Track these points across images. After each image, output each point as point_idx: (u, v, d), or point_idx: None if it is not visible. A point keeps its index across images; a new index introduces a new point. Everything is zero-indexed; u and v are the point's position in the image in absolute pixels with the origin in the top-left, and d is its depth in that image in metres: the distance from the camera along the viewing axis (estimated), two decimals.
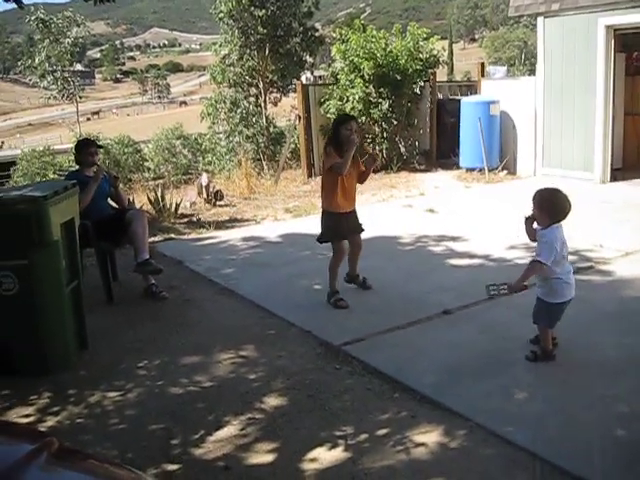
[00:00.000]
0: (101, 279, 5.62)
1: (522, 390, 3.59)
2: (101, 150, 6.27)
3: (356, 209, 5.26)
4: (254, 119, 18.07)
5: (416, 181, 11.00)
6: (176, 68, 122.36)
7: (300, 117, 12.27)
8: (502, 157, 11.04)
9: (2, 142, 61.97)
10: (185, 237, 7.82)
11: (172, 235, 7.88)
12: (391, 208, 8.71)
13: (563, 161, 10.18)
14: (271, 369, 4.12)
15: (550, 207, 3.78)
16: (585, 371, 3.79)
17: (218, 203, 9.90)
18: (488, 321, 4.61)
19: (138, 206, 8.94)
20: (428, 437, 3.22)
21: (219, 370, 4.18)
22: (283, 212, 9.04)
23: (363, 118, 11.65)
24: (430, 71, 12.34)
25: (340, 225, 5.10)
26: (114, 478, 1.79)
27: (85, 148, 5.77)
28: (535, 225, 3.92)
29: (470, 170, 10.95)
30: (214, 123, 19.17)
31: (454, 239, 6.82)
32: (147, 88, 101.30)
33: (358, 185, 5.29)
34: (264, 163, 16.23)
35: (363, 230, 5.33)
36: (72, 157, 9.55)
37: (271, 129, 18.89)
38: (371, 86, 11.62)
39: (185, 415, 3.65)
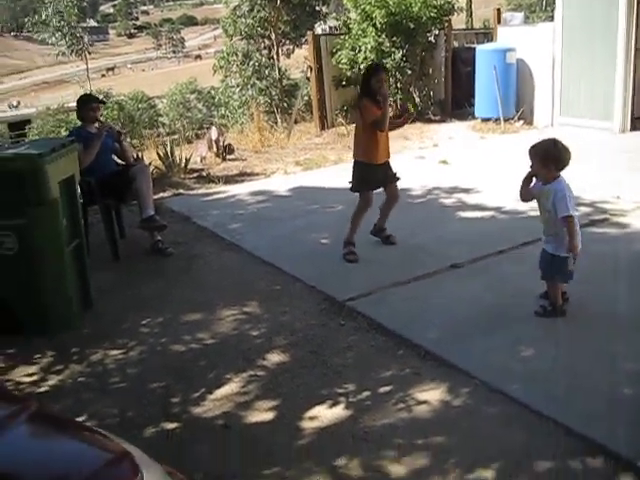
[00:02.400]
0: (106, 236, 5.57)
1: (529, 347, 3.50)
2: (103, 105, 6.13)
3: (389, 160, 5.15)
4: (267, 71, 17.75)
5: (430, 132, 10.76)
6: (190, 21, 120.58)
7: (312, 68, 11.99)
8: (518, 107, 10.73)
9: (19, 101, 61.81)
10: (194, 192, 7.73)
11: (181, 190, 7.78)
12: (404, 160, 8.48)
13: (582, 110, 9.87)
14: (274, 325, 4.06)
15: (556, 157, 3.63)
16: (596, 327, 3.68)
17: (228, 157, 9.76)
18: (498, 275, 4.50)
19: (147, 162, 8.89)
20: (431, 395, 3.15)
21: (222, 327, 4.13)
22: (294, 165, 8.88)
23: None
24: (445, 19, 11.95)
25: (374, 176, 5.01)
26: (91, 442, 1.74)
27: (86, 104, 5.65)
28: (533, 183, 3.78)
29: (485, 120, 10.67)
30: (227, 76, 18.86)
31: (466, 191, 6.66)
32: (161, 42, 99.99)
33: None
34: (278, 116, 16.00)
35: (399, 179, 5.17)
36: None
37: (284, 81, 18.56)
38: (384, 35, 11.27)
39: (186, 373, 3.61)
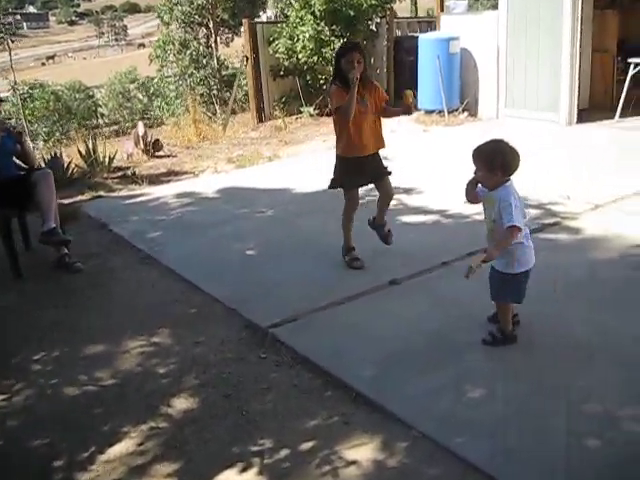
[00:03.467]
0: (5, 251, 4.90)
1: (477, 385, 3.01)
2: (3, 103, 5.41)
3: (379, 152, 4.48)
4: (205, 61, 17.00)
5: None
6: (133, 9, 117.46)
7: (247, 58, 11.37)
8: (463, 98, 10.33)
9: None
10: (115, 194, 7.06)
11: (101, 192, 7.10)
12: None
13: (527, 102, 9.52)
14: (185, 360, 3.49)
15: (503, 163, 3.16)
16: (551, 357, 3.23)
17: (157, 154, 9.09)
18: (441, 293, 4.02)
19: (67, 159, 8.16)
20: (362, 453, 2.63)
21: (125, 363, 3.53)
22: (225, 163, 8.28)
23: (315, 58, 10.83)
24: (387, 6, 11.51)
25: (354, 171, 4.39)
26: None
27: None
28: (479, 188, 3.31)
29: (429, 112, 10.23)
30: (163, 66, 18.04)
31: (407, 191, 6.19)
32: (103, 30, 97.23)
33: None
34: (217, 107, 15.34)
35: (389, 173, 4.51)
36: None
37: (223, 71, 17.83)
38: (322, 23, 10.75)
39: (77, 425, 3.03)
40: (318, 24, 10.72)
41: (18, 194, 4.77)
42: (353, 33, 10.98)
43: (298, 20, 10.83)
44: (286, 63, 11.06)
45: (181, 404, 3.11)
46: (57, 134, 21.28)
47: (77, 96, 30.27)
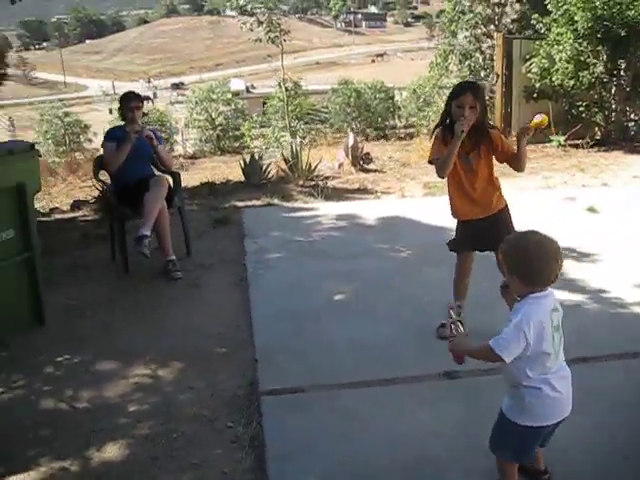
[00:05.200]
0: (116, 247, 5.13)
1: None
2: (146, 103, 5.62)
3: (499, 214, 3.64)
4: (483, 74, 16.22)
5: (620, 165, 8.75)
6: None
7: (498, 75, 10.54)
8: None
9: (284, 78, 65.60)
10: (287, 204, 7.01)
11: (276, 200, 7.11)
12: (544, 198, 6.93)
13: None
14: (161, 405, 3.23)
15: (524, 267, 2.27)
16: None
17: (366, 167, 8.89)
18: (485, 404, 3.15)
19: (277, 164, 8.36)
20: None
21: (112, 389, 3.41)
22: (421, 187, 7.72)
23: (572, 82, 9.60)
24: None
25: (465, 235, 3.71)
26: None
27: (125, 102, 5.17)
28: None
29: None
30: (442, 75, 17.68)
31: (580, 257, 5.06)
32: (434, 34, 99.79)
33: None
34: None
35: None
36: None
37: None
38: (585, 43, 9.44)
39: (15, 440, 2.98)
40: (580, 44, 9.44)
41: (135, 196, 4.90)
42: (622, 55, 9.50)
43: (557, 37, 9.67)
44: (537, 84, 9.99)
45: (109, 453, 2.88)
46: (312, 132, 22.34)
47: (377, 96, 31.38)
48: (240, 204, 7.02)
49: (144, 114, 5.33)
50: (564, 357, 2.35)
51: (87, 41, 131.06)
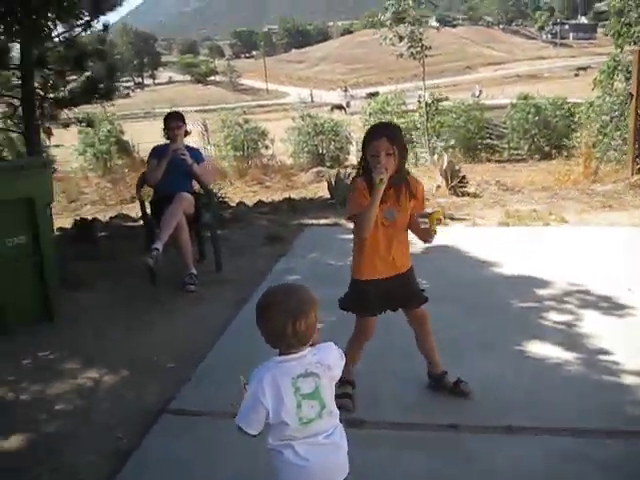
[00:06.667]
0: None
1: None
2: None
3: (409, 271, 3.38)
4: None
5: None
6: None
7: (632, 95, 9.66)
8: None
9: (481, 90, 64.12)
10: (350, 225, 6.99)
11: (342, 220, 7.15)
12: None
13: None
14: (79, 423, 3.50)
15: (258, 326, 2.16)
16: None
17: (461, 190, 8.62)
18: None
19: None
20: None
21: (56, 404, 3.73)
22: (502, 215, 7.28)
23: None
24: None
25: (367, 297, 3.32)
26: None
27: (167, 121, 5.58)
28: None
29: None
30: (605, 92, 16.37)
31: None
32: None
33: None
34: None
35: (423, 301, 3.40)
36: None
37: None
38: None
39: None
40: None
41: (163, 210, 5.26)
42: None
43: None
44: None
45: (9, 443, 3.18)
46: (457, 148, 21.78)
47: (557, 112, 29.74)
48: (308, 222, 7.16)
49: (186, 132, 5.68)
50: (334, 424, 2.19)
51: (293, 50, 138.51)
